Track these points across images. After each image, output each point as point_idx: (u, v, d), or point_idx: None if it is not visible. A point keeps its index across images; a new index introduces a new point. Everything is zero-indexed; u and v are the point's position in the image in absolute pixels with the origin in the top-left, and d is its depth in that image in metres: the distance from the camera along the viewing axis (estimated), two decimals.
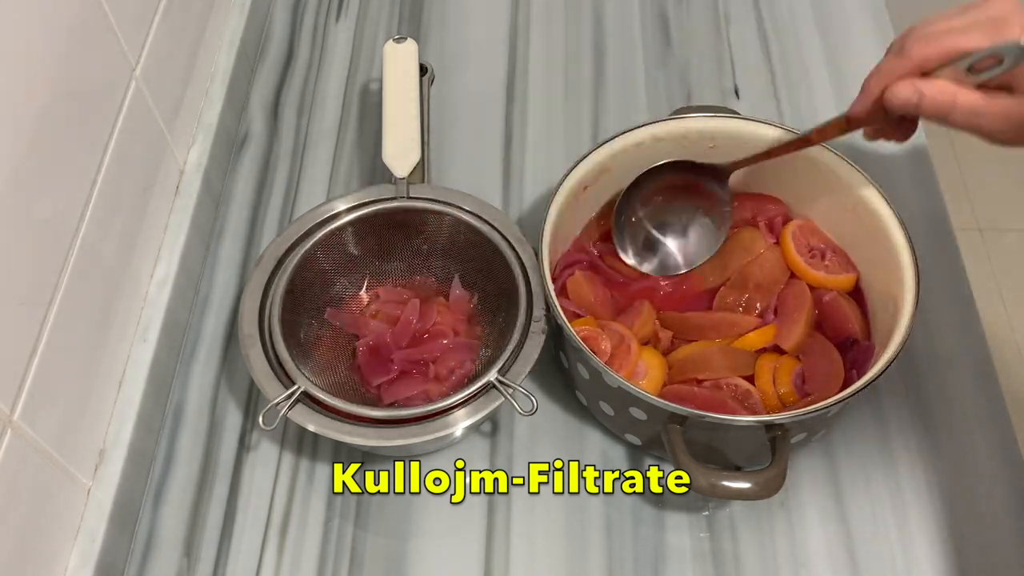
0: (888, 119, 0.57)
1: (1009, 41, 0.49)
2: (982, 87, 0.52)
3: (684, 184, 0.70)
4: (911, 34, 0.54)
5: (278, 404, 0.60)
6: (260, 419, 0.59)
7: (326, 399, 0.60)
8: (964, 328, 0.73)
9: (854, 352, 0.65)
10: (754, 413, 0.63)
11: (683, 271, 0.71)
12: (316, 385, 0.61)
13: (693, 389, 0.64)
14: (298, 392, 0.60)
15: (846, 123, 0.59)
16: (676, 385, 0.65)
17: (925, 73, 0.53)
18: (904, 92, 0.53)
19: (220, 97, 0.80)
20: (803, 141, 0.64)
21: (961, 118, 0.52)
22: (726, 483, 0.56)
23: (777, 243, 0.71)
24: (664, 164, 0.68)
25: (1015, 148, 0.53)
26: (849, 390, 0.57)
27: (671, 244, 0.72)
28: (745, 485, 0.56)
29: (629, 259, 0.71)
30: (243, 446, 0.68)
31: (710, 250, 0.71)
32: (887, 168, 0.81)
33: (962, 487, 0.65)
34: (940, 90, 0.52)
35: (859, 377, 0.62)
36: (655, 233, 0.72)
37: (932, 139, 0.83)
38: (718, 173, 0.68)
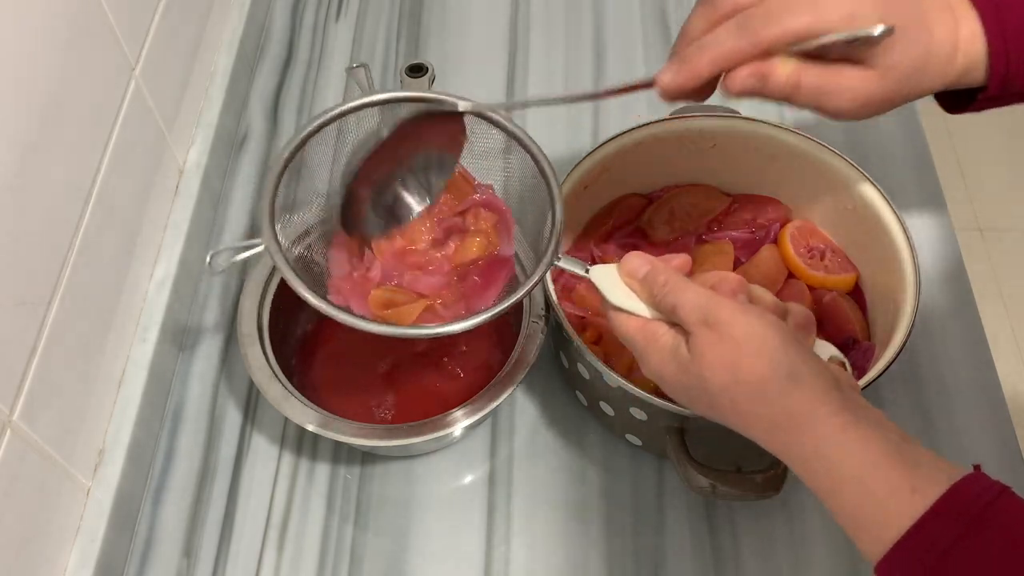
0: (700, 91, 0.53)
1: (864, 30, 0.46)
2: (823, 59, 0.49)
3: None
4: (753, 14, 0.49)
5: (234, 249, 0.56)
6: (207, 259, 0.56)
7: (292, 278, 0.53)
8: (964, 328, 0.73)
9: (854, 352, 0.65)
10: None
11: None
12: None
13: None
14: (257, 246, 0.55)
15: (653, 87, 0.54)
16: None
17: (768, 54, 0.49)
18: (748, 80, 0.49)
19: (219, 97, 0.80)
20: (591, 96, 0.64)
21: (805, 98, 0.50)
22: (727, 484, 0.56)
23: (775, 243, 0.71)
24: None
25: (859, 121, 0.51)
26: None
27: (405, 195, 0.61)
28: (746, 486, 0.56)
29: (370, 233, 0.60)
30: (243, 445, 0.68)
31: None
32: (888, 168, 0.81)
33: None
34: (786, 74, 0.49)
35: (859, 377, 0.61)
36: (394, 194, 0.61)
37: (932, 139, 0.83)
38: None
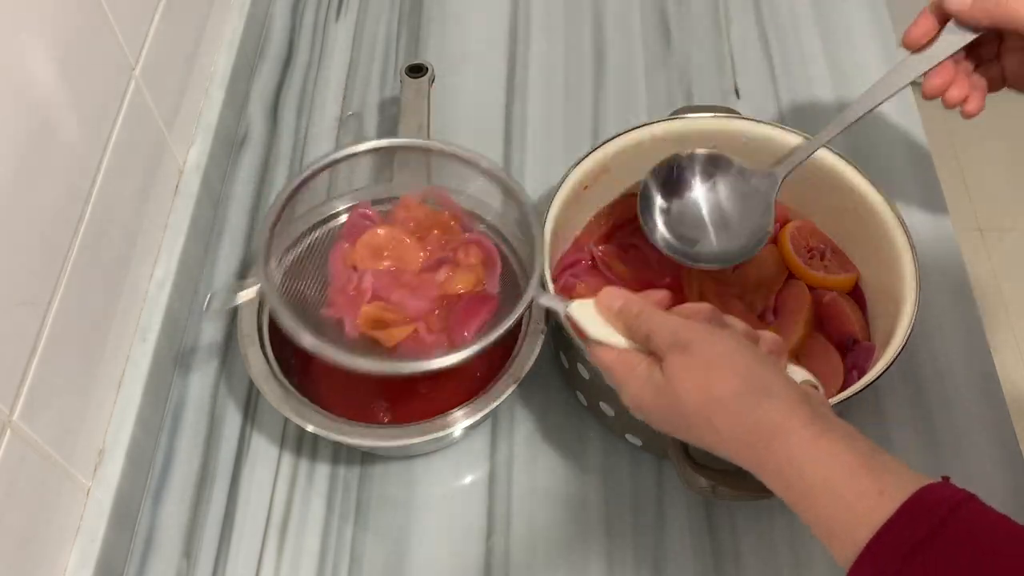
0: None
1: None
2: None
3: (725, 179, 0.68)
4: None
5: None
6: (205, 302, 0.60)
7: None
8: (965, 328, 0.73)
9: (854, 352, 0.65)
10: None
11: (714, 265, 0.67)
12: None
13: None
14: (255, 287, 0.58)
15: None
16: None
17: None
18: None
19: (219, 97, 0.80)
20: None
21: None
22: (726, 484, 0.56)
23: (775, 243, 0.71)
24: (707, 154, 0.67)
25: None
26: (849, 391, 0.57)
27: (711, 233, 0.68)
28: (746, 487, 0.56)
29: (660, 242, 0.67)
30: (243, 446, 0.68)
31: (742, 250, 0.66)
32: (888, 169, 0.81)
33: (962, 486, 0.65)
34: None
35: (859, 377, 0.62)
36: (698, 216, 0.68)
37: (933, 139, 0.83)
38: (765, 179, 0.66)
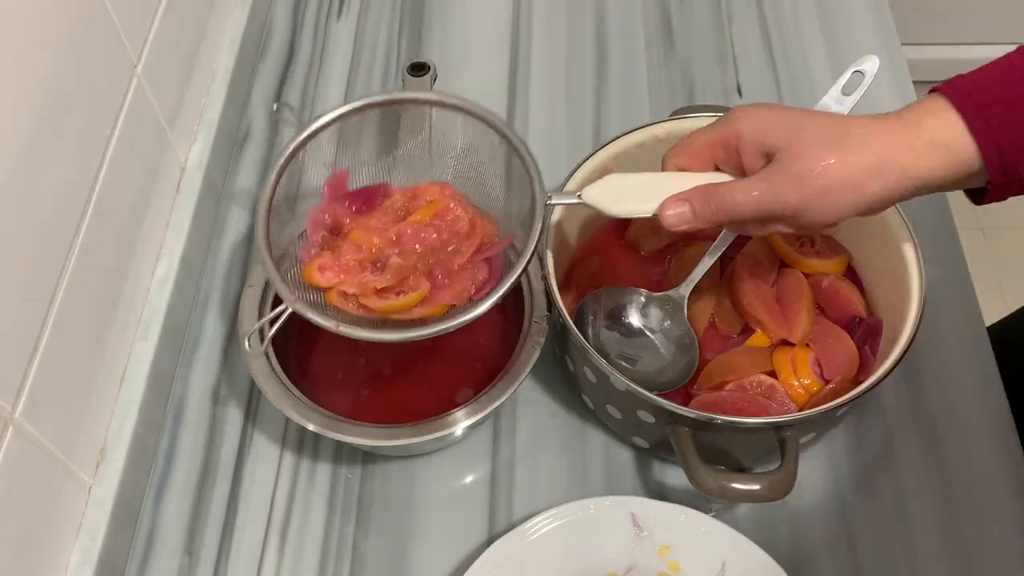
0: None
1: None
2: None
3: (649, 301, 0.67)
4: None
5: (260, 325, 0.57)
6: (246, 341, 0.59)
7: (315, 317, 0.55)
8: (966, 327, 0.73)
9: (863, 330, 0.66)
10: (781, 407, 0.63)
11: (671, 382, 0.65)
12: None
13: (720, 394, 0.64)
14: (286, 311, 0.55)
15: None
16: (704, 393, 0.65)
17: None
18: (668, 216, 0.55)
19: (221, 94, 0.80)
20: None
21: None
22: (736, 485, 0.56)
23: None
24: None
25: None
26: (856, 390, 0.57)
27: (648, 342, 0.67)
28: (755, 487, 0.56)
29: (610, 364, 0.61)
30: (244, 444, 0.68)
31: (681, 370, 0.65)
32: None
33: (963, 486, 0.65)
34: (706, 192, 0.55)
35: (872, 353, 0.63)
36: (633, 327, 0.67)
37: None
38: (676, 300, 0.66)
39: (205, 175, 0.76)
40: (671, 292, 0.66)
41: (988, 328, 0.73)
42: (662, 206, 0.55)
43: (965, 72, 0.52)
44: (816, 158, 0.51)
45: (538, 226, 0.56)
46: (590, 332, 0.65)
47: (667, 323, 0.66)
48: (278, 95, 0.87)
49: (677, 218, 0.55)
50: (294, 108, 0.71)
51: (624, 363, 0.65)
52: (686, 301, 0.66)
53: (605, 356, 0.62)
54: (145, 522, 0.65)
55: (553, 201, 0.58)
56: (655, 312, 0.66)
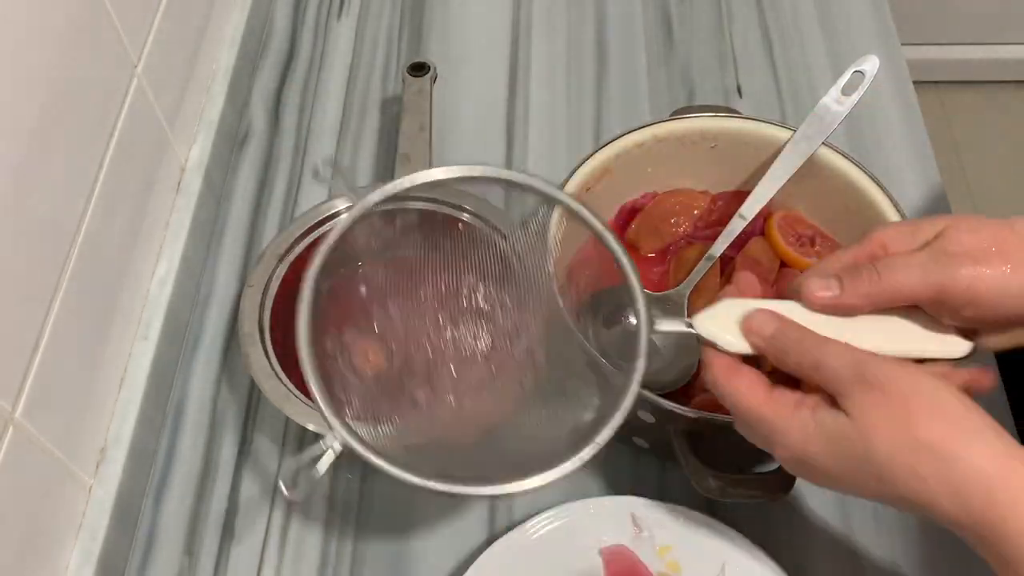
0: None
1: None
2: None
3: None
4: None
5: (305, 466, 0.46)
6: (282, 489, 0.46)
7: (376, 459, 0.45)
8: None
9: None
10: None
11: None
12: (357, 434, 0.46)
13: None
14: (331, 452, 0.45)
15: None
16: (704, 393, 0.65)
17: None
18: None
19: (222, 94, 0.80)
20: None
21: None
22: (736, 485, 0.56)
23: (762, 235, 0.71)
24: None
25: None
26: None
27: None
28: (755, 487, 0.56)
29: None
30: (244, 444, 0.68)
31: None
32: (890, 169, 0.80)
33: None
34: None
35: None
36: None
37: (935, 138, 0.83)
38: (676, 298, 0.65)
39: (205, 175, 0.76)
40: (671, 292, 0.66)
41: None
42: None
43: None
44: None
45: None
46: (590, 333, 0.65)
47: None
48: (278, 95, 0.87)
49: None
50: (345, 171, 0.66)
51: (624, 364, 0.65)
52: (686, 300, 0.65)
53: (605, 357, 0.62)
54: (145, 522, 0.65)
55: (661, 328, 0.49)
56: (655, 313, 0.66)
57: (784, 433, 0.43)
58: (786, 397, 0.44)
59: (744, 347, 0.46)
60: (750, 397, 0.45)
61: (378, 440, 0.48)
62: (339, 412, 0.46)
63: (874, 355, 0.43)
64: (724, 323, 0.47)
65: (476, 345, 0.55)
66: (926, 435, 0.40)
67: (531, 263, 0.55)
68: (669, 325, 0.49)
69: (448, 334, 0.55)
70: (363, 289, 0.55)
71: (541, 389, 0.53)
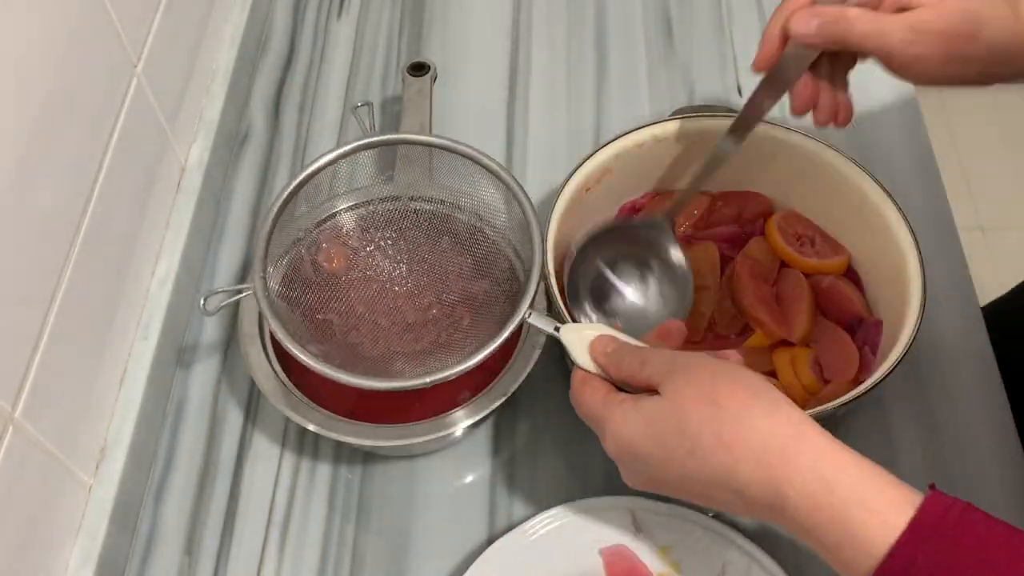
0: (803, 77, 0.56)
1: None
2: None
3: (634, 242, 0.67)
4: None
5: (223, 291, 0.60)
6: (201, 301, 0.59)
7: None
8: (966, 327, 0.73)
9: (863, 330, 0.66)
10: None
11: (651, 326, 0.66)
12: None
13: None
14: (247, 291, 0.59)
15: (768, 87, 0.58)
16: None
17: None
18: (800, 23, 0.53)
19: (221, 94, 0.80)
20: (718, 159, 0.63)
21: (863, 40, 0.51)
22: None
23: (762, 235, 0.71)
24: (604, 229, 0.67)
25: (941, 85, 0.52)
26: (856, 391, 0.57)
27: (635, 298, 0.67)
28: None
29: (590, 316, 0.65)
30: (244, 444, 0.68)
31: (677, 306, 0.66)
32: (890, 168, 0.80)
33: (964, 486, 0.65)
34: (835, 13, 0.52)
35: (872, 353, 0.63)
36: (619, 288, 0.67)
37: (935, 139, 0.83)
38: (658, 226, 0.67)
39: (205, 175, 0.76)
40: (653, 219, 0.66)
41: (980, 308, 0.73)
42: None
43: None
44: None
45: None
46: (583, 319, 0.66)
47: (654, 261, 0.67)
48: (278, 95, 0.87)
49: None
50: (371, 107, 0.72)
51: (623, 323, 0.65)
52: (670, 223, 0.66)
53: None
54: (145, 522, 0.65)
55: (532, 321, 0.57)
56: (641, 256, 0.66)
57: (609, 421, 0.49)
58: (618, 397, 0.50)
59: (589, 364, 0.53)
60: (590, 400, 0.51)
61: (295, 323, 0.59)
62: (265, 270, 0.58)
63: (687, 352, 0.51)
64: (581, 344, 0.54)
65: (421, 283, 0.67)
66: (729, 402, 0.45)
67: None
68: (540, 322, 0.57)
69: (399, 272, 0.67)
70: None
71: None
